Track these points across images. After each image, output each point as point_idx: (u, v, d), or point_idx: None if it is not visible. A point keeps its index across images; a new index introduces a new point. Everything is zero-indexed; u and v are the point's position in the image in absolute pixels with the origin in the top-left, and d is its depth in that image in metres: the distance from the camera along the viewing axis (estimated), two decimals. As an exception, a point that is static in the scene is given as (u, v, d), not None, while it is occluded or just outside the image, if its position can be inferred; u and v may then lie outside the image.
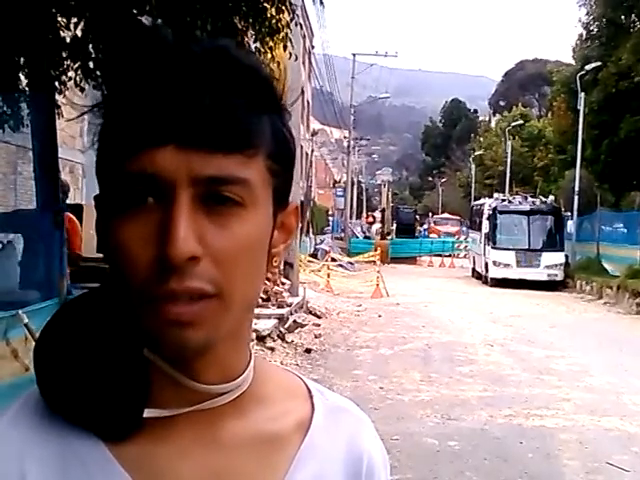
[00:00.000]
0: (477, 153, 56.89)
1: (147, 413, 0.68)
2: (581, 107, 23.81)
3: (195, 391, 0.69)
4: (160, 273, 0.62)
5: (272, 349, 9.78)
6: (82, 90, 6.42)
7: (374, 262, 20.87)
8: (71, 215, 6.08)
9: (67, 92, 6.53)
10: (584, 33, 25.76)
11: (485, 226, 24.88)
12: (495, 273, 23.17)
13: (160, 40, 0.65)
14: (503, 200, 25.98)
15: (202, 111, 0.62)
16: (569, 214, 25.67)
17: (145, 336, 0.66)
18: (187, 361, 0.67)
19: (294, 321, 12.15)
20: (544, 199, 25.79)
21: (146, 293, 0.63)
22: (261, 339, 9.78)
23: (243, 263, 0.65)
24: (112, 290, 0.67)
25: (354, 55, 43.58)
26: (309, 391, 0.80)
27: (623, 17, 23.87)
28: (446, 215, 57.35)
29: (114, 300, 0.68)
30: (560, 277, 22.62)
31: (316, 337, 11.50)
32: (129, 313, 0.65)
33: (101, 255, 0.68)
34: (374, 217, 49.65)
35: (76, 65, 6.29)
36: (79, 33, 6.11)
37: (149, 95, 0.62)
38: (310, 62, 38.82)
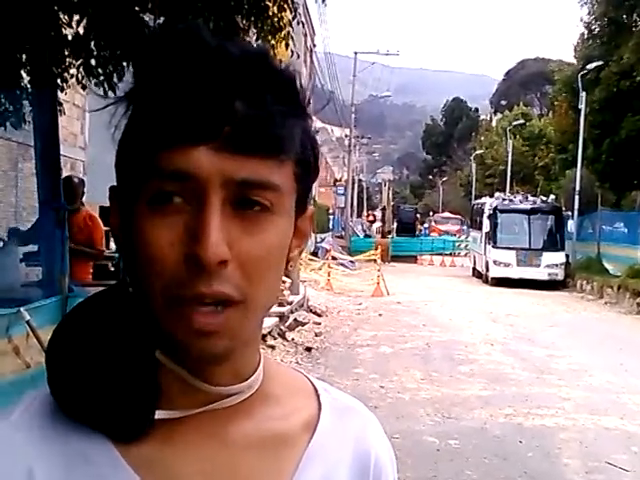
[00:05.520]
0: (478, 152, 56.86)
1: (158, 415, 0.67)
2: (582, 106, 23.77)
3: (206, 392, 0.68)
4: (188, 275, 0.61)
5: (272, 347, 9.78)
6: (84, 88, 6.42)
7: (375, 261, 20.82)
8: (91, 212, 6.12)
9: (69, 89, 6.52)
10: (586, 32, 25.72)
11: (486, 225, 24.84)
12: (496, 272, 23.13)
13: (200, 40, 0.64)
14: (504, 199, 25.96)
15: (240, 114, 0.61)
16: (570, 213, 25.63)
17: (164, 340, 0.65)
18: (203, 365, 0.67)
19: (294, 319, 12.15)
20: (545, 198, 25.79)
21: (172, 295, 0.62)
22: (261, 337, 9.76)
23: (267, 269, 0.65)
24: (129, 290, 0.66)
25: (355, 53, 43.45)
26: (315, 390, 0.80)
27: (625, 16, 23.80)
28: (447, 214, 57.39)
29: (129, 300, 0.67)
30: (561, 276, 22.59)
31: (316, 335, 11.50)
32: (149, 315, 0.64)
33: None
34: (375, 216, 49.61)
35: (78, 62, 6.29)
36: (81, 30, 6.10)
37: (188, 93, 0.61)
38: (312, 60, 38.78)
